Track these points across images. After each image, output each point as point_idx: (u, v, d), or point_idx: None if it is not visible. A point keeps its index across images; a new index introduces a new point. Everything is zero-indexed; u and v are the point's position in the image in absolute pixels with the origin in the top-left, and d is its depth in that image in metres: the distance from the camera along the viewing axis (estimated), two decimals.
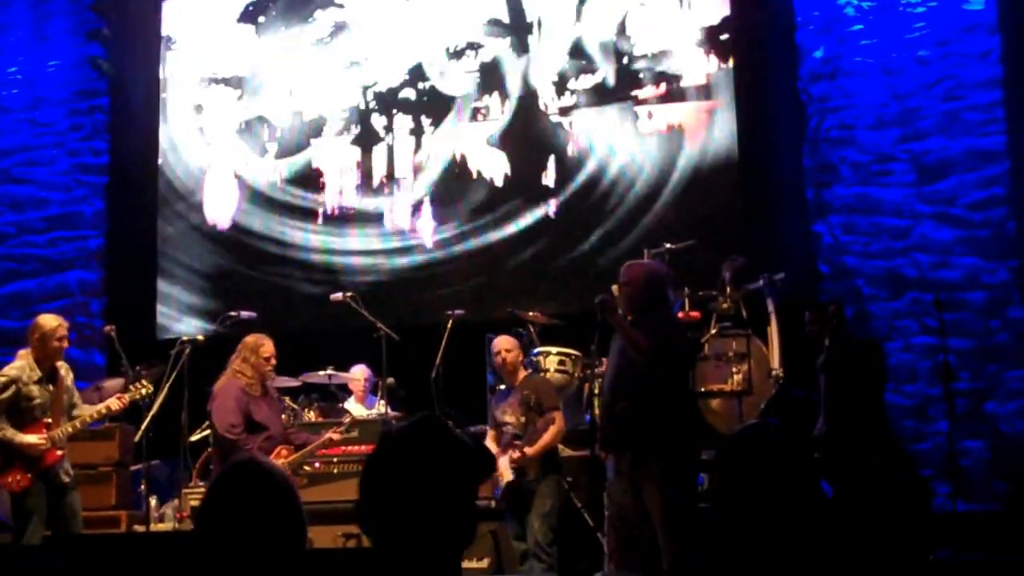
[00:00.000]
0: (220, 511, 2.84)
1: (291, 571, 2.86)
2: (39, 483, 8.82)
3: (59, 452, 8.89)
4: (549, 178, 12.62)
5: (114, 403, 9.07)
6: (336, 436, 9.23)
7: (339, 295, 10.80)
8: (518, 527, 9.04)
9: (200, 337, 9.90)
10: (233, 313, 10.67)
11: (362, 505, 2.67)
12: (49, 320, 9.14)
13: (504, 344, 9.50)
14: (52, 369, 9.05)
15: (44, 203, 13.60)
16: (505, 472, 8.97)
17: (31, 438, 8.83)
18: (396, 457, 2.64)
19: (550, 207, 12.59)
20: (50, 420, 8.93)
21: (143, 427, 9.25)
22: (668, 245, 10.51)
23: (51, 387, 9.01)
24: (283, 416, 9.32)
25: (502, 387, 9.72)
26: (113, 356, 11.12)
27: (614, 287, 8.26)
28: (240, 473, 2.90)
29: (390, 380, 10.75)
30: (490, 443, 9.35)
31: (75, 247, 13.45)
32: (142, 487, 10.42)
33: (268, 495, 2.85)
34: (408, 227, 12.99)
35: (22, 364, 9.10)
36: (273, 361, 9.09)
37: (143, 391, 9.16)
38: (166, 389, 9.32)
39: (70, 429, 8.99)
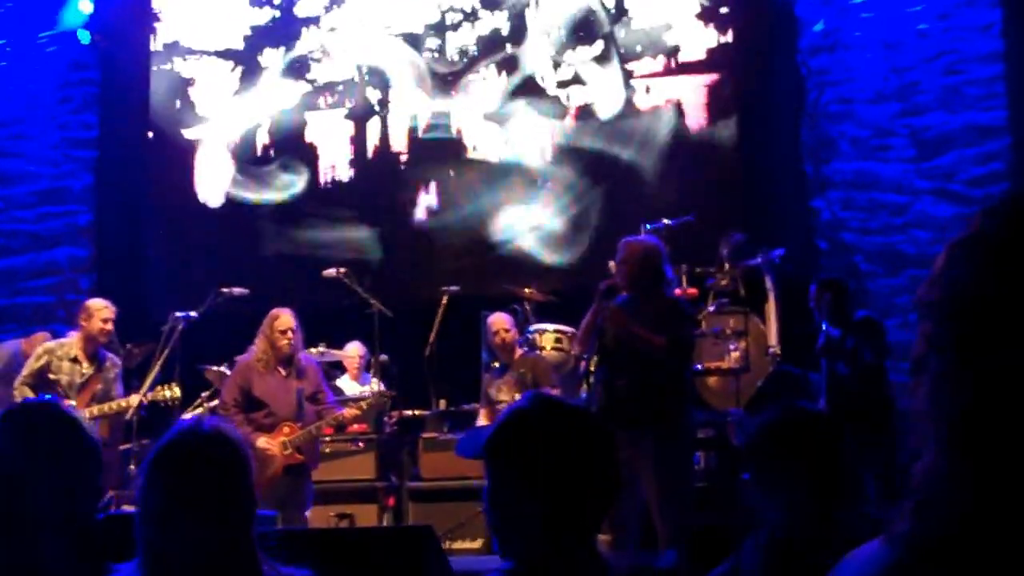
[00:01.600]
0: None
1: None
2: None
3: None
4: (546, 153, 12.56)
5: (134, 399, 9.08)
6: (348, 415, 9.11)
7: (332, 271, 10.77)
8: None
9: (192, 314, 9.82)
10: (224, 289, 10.59)
11: (493, 498, 2.51)
12: (96, 302, 9.40)
13: (502, 324, 9.45)
14: (96, 354, 9.11)
15: (33, 177, 13.51)
16: None
17: None
18: (525, 439, 2.48)
19: (547, 182, 12.52)
20: (73, 402, 8.91)
21: (134, 406, 9.17)
22: (666, 221, 10.48)
23: (87, 370, 9.06)
24: (312, 389, 9.08)
25: (496, 365, 9.68)
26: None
27: (611, 264, 8.24)
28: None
29: (383, 358, 10.71)
30: (483, 421, 9.32)
31: (64, 223, 13.37)
32: (132, 466, 10.38)
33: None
34: (402, 202, 12.91)
35: (65, 341, 9.25)
36: (289, 335, 8.93)
37: (168, 393, 9.15)
38: (157, 367, 9.24)
39: (87, 415, 8.97)
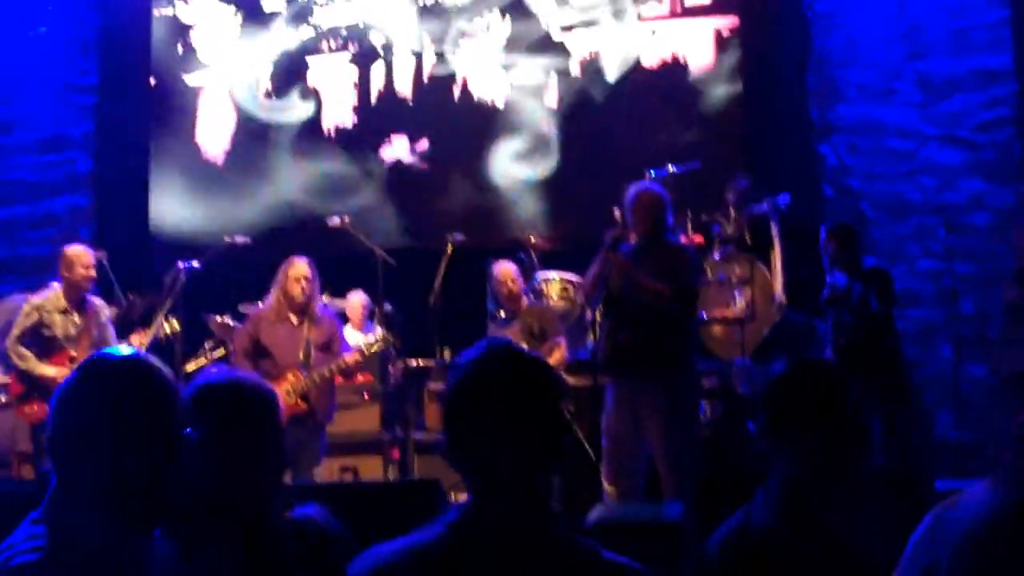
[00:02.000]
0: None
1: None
2: None
3: None
4: (551, 98, 12.49)
5: (135, 339, 9.04)
6: (349, 359, 9.00)
7: (335, 220, 10.72)
8: None
9: (195, 263, 9.78)
10: (227, 238, 10.56)
11: (450, 445, 2.58)
12: (75, 248, 9.24)
13: (508, 274, 9.40)
14: (81, 301, 9.05)
15: (31, 124, 13.42)
16: None
17: (51, 370, 8.87)
18: (477, 388, 2.55)
19: (552, 128, 12.46)
20: (75, 353, 8.91)
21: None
22: (671, 167, 10.43)
23: (78, 319, 9.01)
24: (324, 339, 9.02)
25: (502, 315, 9.65)
26: (105, 284, 11.01)
27: (617, 211, 8.21)
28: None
29: (387, 308, 10.68)
30: None
31: (64, 171, 13.29)
32: None
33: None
34: (406, 148, 12.85)
35: (49, 294, 9.15)
36: (303, 283, 8.85)
37: (167, 328, 9.10)
38: (160, 318, 9.20)
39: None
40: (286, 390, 8.63)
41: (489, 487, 2.55)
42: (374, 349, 9.00)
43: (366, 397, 10.13)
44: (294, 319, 8.85)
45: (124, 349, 2.76)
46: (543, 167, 12.44)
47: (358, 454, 9.90)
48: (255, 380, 3.00)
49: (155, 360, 2.76)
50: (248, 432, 2.90)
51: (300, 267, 8.93)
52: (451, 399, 2.58)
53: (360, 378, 10.21)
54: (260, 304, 9.13)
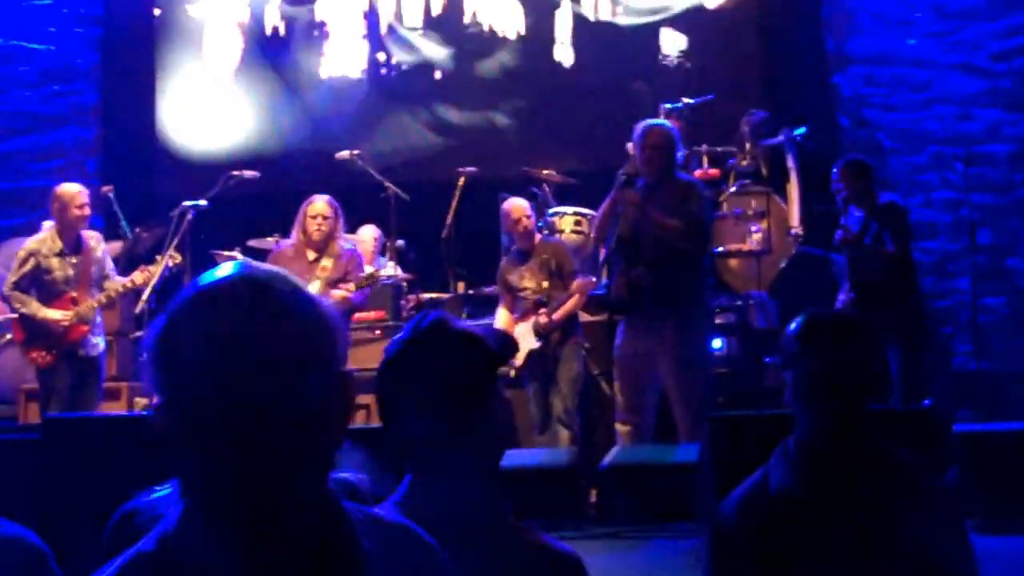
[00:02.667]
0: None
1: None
2: (63, 363, 8.85)
3: (84, 327, 8.88)
4: (564, 32, 12.38)
5: (139, 276, 9.01)
6: (341, 293, 8.97)
7: (345, 153, 10.74)
8: (541, 394, 8.98)
9: (202, 201, 9.76)
10: (236, 172, 10.56)
11: (381, 412, 2.63)
12: (68, 188, 9.15)
13: (521, 210, 9.35)
14: (77, 240, 9.02)
15: (36, 55, 13.34)
16: (525, 339, 8.89)
17: (55, 313, 8.85)
18: (407, 358, 2.60)
19: (565, 59, 12.37)
20: (76, 294, 8.91)
21: (145, 295, 9.12)
22: (686, 100, 10.39)
23: (75, 259, 8.98)
24: (335, 276, 9.01)
25: (514, 249, 9.61)
26: (111, 219, 11.02)
27: (629, 146, 8.18)
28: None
29: (399, 242, 10.69)
30: (503, 312, 9.30)
31: (70, 102, 13.22)
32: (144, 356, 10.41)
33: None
34: (418, 82, 12.75)
35: (43, 236, 9.12)
36: (319, 220, 8.86)
37: (171, 261, 9.09)
38: (167, 258, 9.18)
39: (96, 304, 8.97)
40: None
41: (424, 467, 2.60)
42: (361, 285, 8.95)
43: (378, 333, 10.12)
44: (311, 255, 8.86)
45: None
46: (556, 98, 12.34)
47: (371, 392, 9.88)
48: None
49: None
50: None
51: (319, 205, 8.95)
52: (380, 378, 2.63)
53: (372, 314, 10.21)
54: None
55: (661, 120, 8.29)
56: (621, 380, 7.80)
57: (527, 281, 9.05)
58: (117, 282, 9.15)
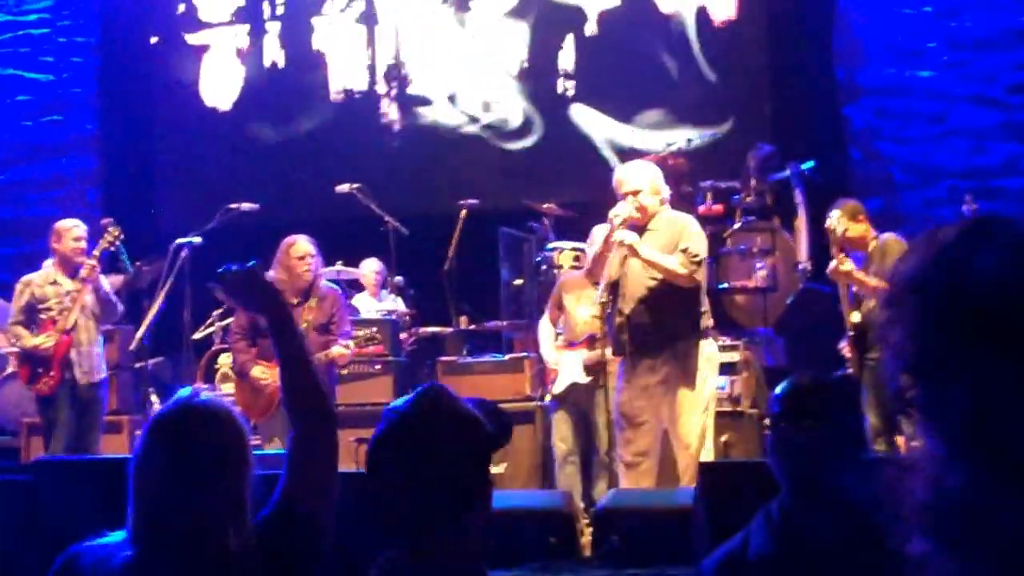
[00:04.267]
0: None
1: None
2: (63, 392, 9.08)
3: (67, 338, 9.10)
4: (567, 59, 12.50)
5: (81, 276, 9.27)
6: (336, 354, 9.00)
7: (345, 186, 10.80)
8: (575, 429, 8.99)
9: (196, 239, 9.89)
10: (233, 205, 10.65)
11: (371, 487, 2.73)
12: (64, 222, 9.53)
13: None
14: (74, 271, 9.25)
15: (33, 85, 13.50)
16: (571, 370, 8.87)
17: (38, 339, 9.09)
18: (399, 437, 2.69)
19: (568, 88, 12.49)
20: (60, 320, 9.12)
21: (143, 328, 9.30)
22: (689, 136, 10.48)
23: (68, 287, 9.24)
24: (323, 319, 9.10)
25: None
26: (112, 252, 11.13)
27: (628, 202, 8.06)
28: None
29: (398, 279, 10.78)
30: (548, 325, 9.28)
31: (69, 132, 13.38)
32: (145, 386, 10.57)
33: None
34: (417, 112, 12.89)
35: (41, 271, 9.41)
36: (308, 260, 8.94)
37: (108, 238, 9.44)
38: (162, 296, 9.36)
39: (91, 336, 9.23)
40: (277, 373, 8.74)
41: (406, 535, 2.70)
42: (352, 344, 9.04)
43: (377, 368, 10.22)
44: (294, 300, 8.91)
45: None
46: (558, 128, 12.46)
47: (372, 426, 9.92)
48: (212, 406, 3.14)
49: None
50: (196, 461, 3.04)
51: (302, 245, 9.01)
52: (373, 446, 2.73)
53: (371, 349, 10.31)
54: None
55: (634, 164, 8.26)
56: (622, 425, 7.88)
57: (585, 307, 8.99)
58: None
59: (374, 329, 9.29)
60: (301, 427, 3.28)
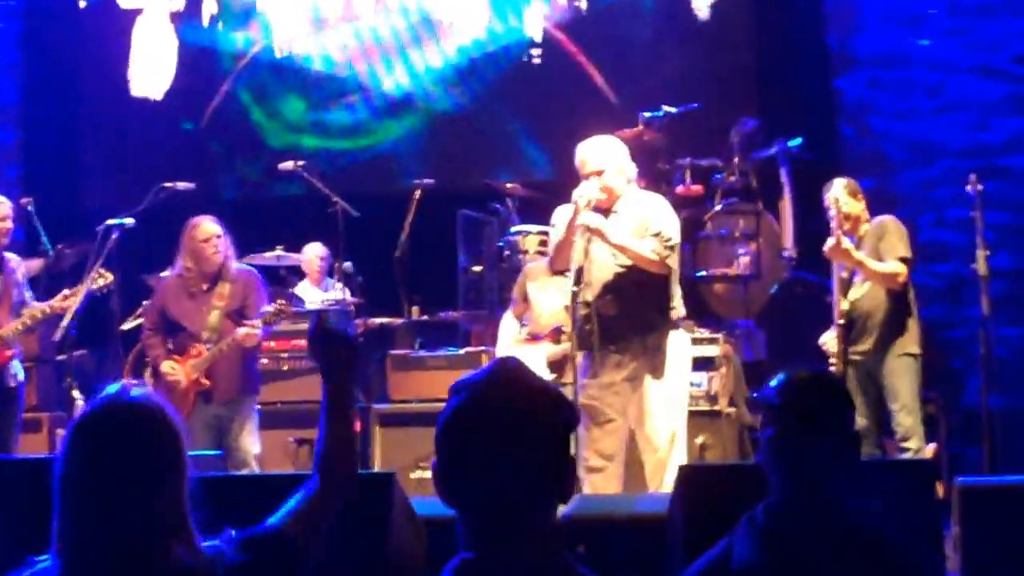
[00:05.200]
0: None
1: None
2: None
3: (8, 353, 8.93)
4: (533, 26, 12.37)
5: (60, 301, 9.00)
6: (243, 335, 8.94)
7: (288, 163, 10.70)
8: None
9: (129, 221, 9.76)
10: (168, 184, 10.51)
11: (441, 471, 2.62)
12: None
13: None
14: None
15: None
16: (533, 367, 8.81)
17: None
18: (477, 416, 2.59)
19: (533, 59, 12.37)
20: None
21: (66, 321, 9.13)
22: (666, 107, 10.40)
23: None
24: (236, 304, 9.03)
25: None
26: (31, 232, 11.02)
27: (593, 183, 7.95)
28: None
29: (346, 264, 10.70)
30: (511, 318, 9.27)
31: None
32: (67, 380, 10.42)
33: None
34: (367, 80, 12.75)
35: None
36: (215, 242, 8.97)
37: (100, 281, 9.12)
38: (89, 281, 9.19)
39: (20, 327, 9.02)
40: (191, 365, 8.83)
41: (488, 529, 2.58)
42: (261, 323, 8.95)
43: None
44: (204, 286, 8.99)
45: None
46: (523, 102, 12.35)
47: (313, 426, 9.87)
48: (143, 405, 3.02)
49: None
50: (126, 469, 2.93)
51: (207, 226, 9.05)
52: (446, 427, 2.60)
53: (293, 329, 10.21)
54: (168, 272, 9.21)
55: (598, 140, 8.13)
56: (585, 419, 7.79)
57: (552, 297, 8.96)
58: (39, 305, 9.16)
59: (280, 302, 9.18)
60: (326, 487, 3.28)
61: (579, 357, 7.85)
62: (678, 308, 7.85)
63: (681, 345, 7.89)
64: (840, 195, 8.50)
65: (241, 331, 8.83)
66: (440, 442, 2.60)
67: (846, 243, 8.34)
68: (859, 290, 8.60)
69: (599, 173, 7.68)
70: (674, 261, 7.74)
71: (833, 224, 8.40)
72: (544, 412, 2.59)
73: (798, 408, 3.41)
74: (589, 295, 7.64)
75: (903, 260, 8.52)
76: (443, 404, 2.65)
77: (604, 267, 7.62)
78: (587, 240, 7.59)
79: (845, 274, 8.59)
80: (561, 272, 8.06)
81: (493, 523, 2.56)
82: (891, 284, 8.51)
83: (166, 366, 8.86)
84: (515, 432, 2.54)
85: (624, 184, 7.79)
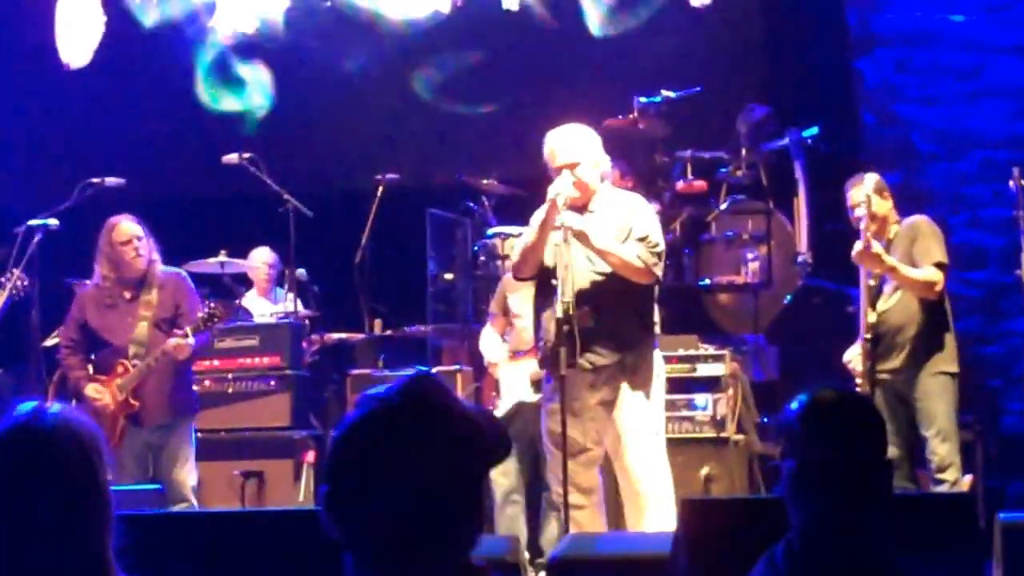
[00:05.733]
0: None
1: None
2: None
3: None
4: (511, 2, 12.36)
5: None
6: (172, 346, 8.88)
7: (233, 156, 10.67)
8: (517, 459, 8.91)
9: (52, 222, 9.71)
10: (95, 180, 10.47)
11: (330, 493, 2.52)
12: None
13: None
14: None
15: None
16: (516, 386, 8.83)
17: None
18: (379, 434, 2.52)
19: (512, 36, 12.34)
20: None
21: None
22: (665, 92, 10.38)
23: None
24: (167, 313, 8.98)
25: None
26: None
27: (567, 178, 7.91)
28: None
29: (299, 272, 10.65)
30: (493, 332, 9.26)
31: None
32: None
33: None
34: (324, 61, 12.69)
35: None
36: (135, 244, 8.91)
37: (19, 283, 9.13)
38: (8, 288, 9.17)
39: None
40: (117, 385, 8.77)
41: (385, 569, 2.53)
42: (191, 329, 8.87)
43: (272, 384, 10.09)
44: (127, 294, 8.92)
45: None
46: (501, 86, 12.30)
47: (263, 456, 9.91)
48: (62, 427, 2.93)
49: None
50: (40, 503, 2.86)
51: (125, 227, 8.98)
52: (342, 440, 2.54)
53: (265, 360, 10.17)
54: (86, 282, 9.17)
55: (568, 129, 8.06)
56: (556, 455, 7.72)
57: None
58: None
59: (212, 305, 9.08)
60: None
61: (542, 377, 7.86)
62: (658, 323, 7.81)
63: (660, 364, 7.84)
64: (871, 191, 8.42)
65: (171, 342, 8.73)
66: (328, 459, 2.56)
67: (876, 247, 8.28)
68: (889, 300, 8.54)
69: (572, 166, 7.60)
70: (660, 270, 7.67)
71: (862, 225, 8.32)
72: (455, 436, 2.53)
73: (825, 434, 3.38)
74: (559, 307, 7.53)
75: (939, 266, 8.45)
76: None
77: (579, 275, 7.52)
78: (559, 244, 7.49)
79: (873, 282, 8.52)
80: (527, 280, 7.96)
81: (388, 564, 2.50)
82: (927, 293, 8.45)
83: (91, 389, 8.76)
84: (418, 454, 2.48)
85: (598, 179, 7.72)
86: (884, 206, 8.63)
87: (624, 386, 7.57)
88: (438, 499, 2.48)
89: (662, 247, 7.65)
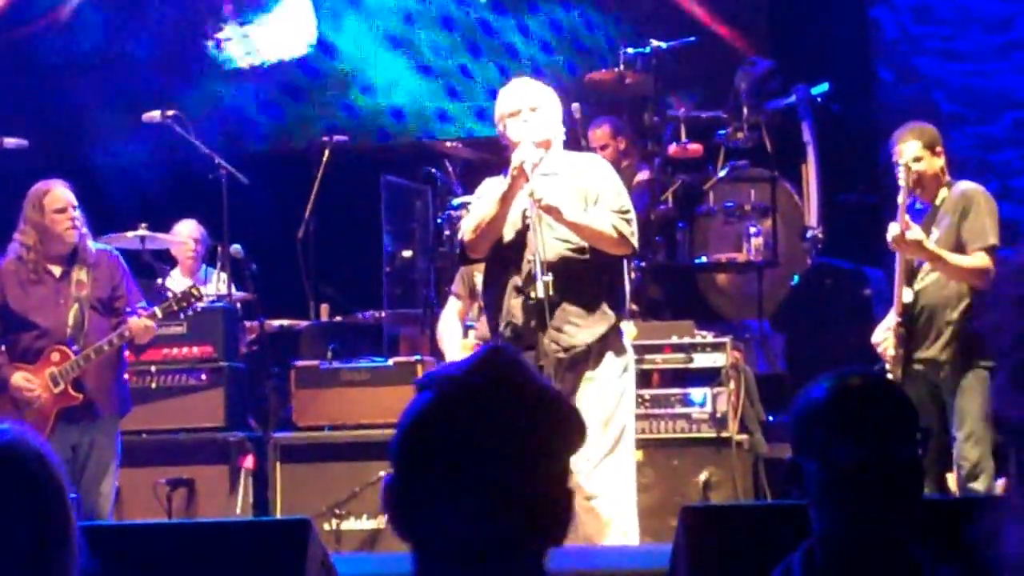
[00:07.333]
0: None
1: None
2: None
3: None
4: None
5: None
6: (138, 328, 8.83)
7: (154, 113, 10.61)
8: None
9: None
10: None
11: (401, 492, 2.48)
12: None
13: None
14: None
15: None
16: None
17: None
18: (460, 420, 2.44)
19: None
20: None
21: None
22: (655, 42, 10.39)
23: None
24: (104, 293, 8.92)
25: None
26: None
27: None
28: None
29: (233, 248, 10.62)
30: (453, 318, 9.30)
31: None
32: None
33: None
34: (267, 7, 12.72)
35: None
36: (70, 213, 8.82)
37: None
38: None
39: None
40: (51, 375, 8.59)
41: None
42: (160, 312, 8.85)
43: (204, 379, 10.04)
44: (56, 270, 8.78)
45: None
46: (470, 36, 12.34)
47: (194, 462, 9.83)
48: (13, 450, 2.91)
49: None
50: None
51: (59, 192, 8.79)
52: (410, 430, 2.47)
53: (196, 350, 10.13)
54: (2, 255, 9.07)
55: (523, 81, 8.08)
56: None
57: None
58: None
59: (190, 285, 9.06)
60: None
61: (548, 366, 7.81)
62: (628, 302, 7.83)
63: (628, 349, 7.81)
64: (916, 154, 8.29)
65: (135, 321, 8.63)
66: (398, 451, 2.48)
67: (916, 232, 8.12)
68: (927, 278, 8.40)
69: (533, 110, 7.57)
70: (637, 240, 7.66)
71: (900, 199, 8.20)
72: (548, 424, 2.46)
73: (858, 429, 3.31)
74: (523, 285, 7.49)
75: (990, 249, 8.29)
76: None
77: (549, 250, 7.48)
78: (531, 217, 7.45)
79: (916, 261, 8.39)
80: (481, 260, 7.91)
81: (467, 568, 2.44)
82: (975, 281, 8.30)
83: (18, 378, 8.62)
84: (507, 446, 2.42)
85: (560, 131, 7.68)
86: (935, 164, 8.43)
87: (586, 375, 7.52)
88: (529, 495, 2.43)
89: (633, 215, 7.60)
